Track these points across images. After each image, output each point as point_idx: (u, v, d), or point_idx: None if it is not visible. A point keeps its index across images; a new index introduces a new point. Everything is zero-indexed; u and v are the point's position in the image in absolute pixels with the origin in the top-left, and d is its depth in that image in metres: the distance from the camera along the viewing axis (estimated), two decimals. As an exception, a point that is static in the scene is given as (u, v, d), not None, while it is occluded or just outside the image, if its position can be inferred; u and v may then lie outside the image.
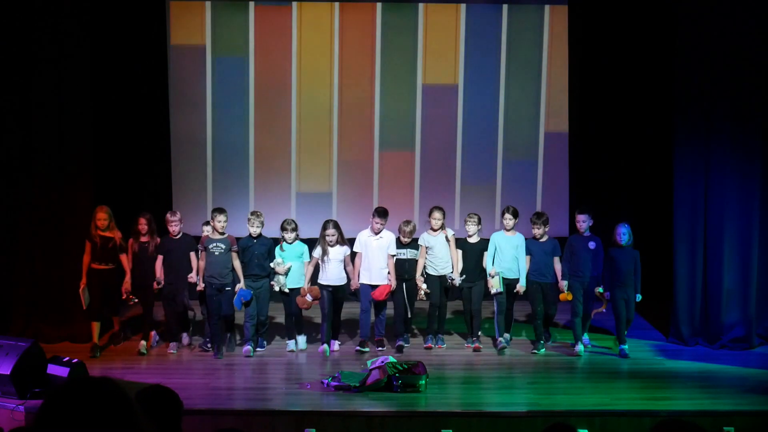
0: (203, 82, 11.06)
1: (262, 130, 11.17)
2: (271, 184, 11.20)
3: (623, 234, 8.99)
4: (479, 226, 9.32)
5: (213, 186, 11.18)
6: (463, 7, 11.00)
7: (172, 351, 9.20)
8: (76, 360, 7.87)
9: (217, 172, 11.18)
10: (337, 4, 11.01)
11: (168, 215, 9.19)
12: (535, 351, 9.14)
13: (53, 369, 7.72)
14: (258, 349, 9.21)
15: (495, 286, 9.12)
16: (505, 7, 11.03)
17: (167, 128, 11.08)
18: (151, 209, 9.40)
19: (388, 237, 9.23)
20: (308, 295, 9.03)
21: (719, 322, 9.36)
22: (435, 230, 9.27)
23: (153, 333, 9.38)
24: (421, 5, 11.02)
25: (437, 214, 9.28)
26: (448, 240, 9.29)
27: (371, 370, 8.11)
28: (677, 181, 9.44)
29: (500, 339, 9.26)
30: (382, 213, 9.25)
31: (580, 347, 9.10)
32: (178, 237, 9.18)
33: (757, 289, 9.38)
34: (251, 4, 11.02)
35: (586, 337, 9.43)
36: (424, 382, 7.99)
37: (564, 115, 11.16)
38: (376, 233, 9.19)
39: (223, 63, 11.06)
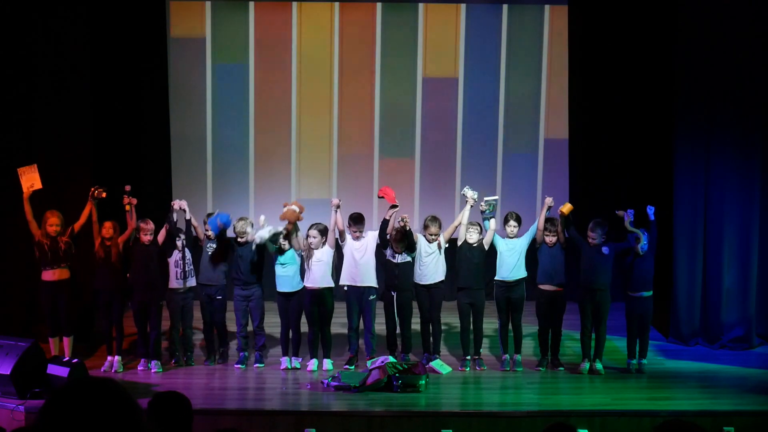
0: (203, 82, 11.04)
1: (263, 130, 11.16)
2: (271, 184, 11.18)
3: (644, 242, 8.39)
4: (481, 236, 8.55)
5: (213, 185, 11.15)
6: (463, 6, 11.00)
7: (141, 369, 8.54)
8: (76, 360, 7.88)
9: (217, 172, 11.16)
10: (337, 3, 11.00)
11: (141, 224, 8.50)
12: (539, 368, 8.61)
13: (53, 369, 7.72)
14: (257, 365, 8.65)
15: (484, 207, 8.41)
16: (505, 7, 11.02)
17: (167, 127, 11.06)
18: (151, 210, 9.33)
19: (370, 235, 8.54)
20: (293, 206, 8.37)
21: (719, 322, 9.36)
22: (430, 243, 8.51)
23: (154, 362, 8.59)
24: (421, 5, 11.01)
25: (434, 229, 8.45)
26: (440, 247, 8.51)
27: (371, 370, 8.12)
28: (677, 180, 9.44)
29: (506, 356, 8.64)
30: (357, 219, 8.46)
31: (585, 365, 8.53)
32: (148, 245, 8.50)
33: (757, 289, 9.39)
34: (251, 4, 11.01)
35: (599, 365, 8.53)
36: (424, 382, 7.98)
37: (564, 115, 11.15)
38: (356, 240, 8.50)
39: (223, 63, 11.04)
